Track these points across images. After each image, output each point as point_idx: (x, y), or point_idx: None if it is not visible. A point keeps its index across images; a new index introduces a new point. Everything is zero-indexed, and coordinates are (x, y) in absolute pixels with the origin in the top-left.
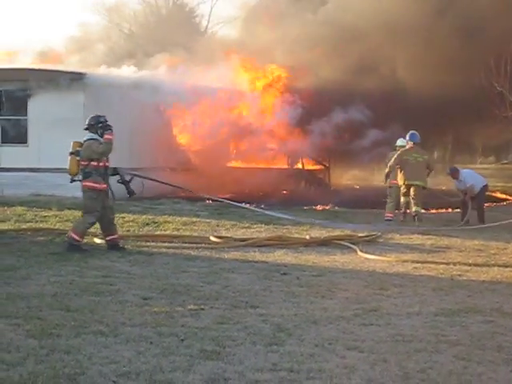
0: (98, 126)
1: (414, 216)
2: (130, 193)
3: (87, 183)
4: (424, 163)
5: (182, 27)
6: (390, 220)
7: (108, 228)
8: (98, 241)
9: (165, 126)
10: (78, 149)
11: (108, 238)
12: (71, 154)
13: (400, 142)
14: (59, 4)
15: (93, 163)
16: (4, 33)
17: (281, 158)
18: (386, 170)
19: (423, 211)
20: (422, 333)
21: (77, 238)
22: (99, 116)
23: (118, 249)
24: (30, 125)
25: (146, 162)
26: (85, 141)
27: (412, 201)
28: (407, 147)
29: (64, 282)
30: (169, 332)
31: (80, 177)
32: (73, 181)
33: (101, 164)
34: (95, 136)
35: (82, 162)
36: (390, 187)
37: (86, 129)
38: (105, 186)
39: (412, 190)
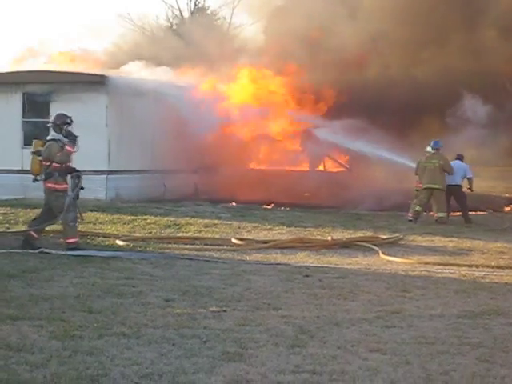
0: (63, 126)
1: (436, 220)
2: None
3: (49, 184)
4: (440, 168)
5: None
6: (411, 220)
7: (39, 223)
8: (120, 243)
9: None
10: (39, 148)
11: (28, 231)
12: (33, 153)
13: (429, 148)
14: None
15: (54, 164)
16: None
17: (303, 161)
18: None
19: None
20: (444, 335)
21: (73, 240)
22: (66, 116)
23: (25, 246)
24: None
25: (168, 164)
26: (46, 140)
27: (434, 206)
28: (431, 153)
29: (86, 283)
30: (191, 334)
31: (42, 177)
32: (35, 180)
33: (63, 165)
34: (58, 136)
35: (44, 162)
36: (416, 190)
37: (52, 126)
38: (65, 186)
39: (434, 194)
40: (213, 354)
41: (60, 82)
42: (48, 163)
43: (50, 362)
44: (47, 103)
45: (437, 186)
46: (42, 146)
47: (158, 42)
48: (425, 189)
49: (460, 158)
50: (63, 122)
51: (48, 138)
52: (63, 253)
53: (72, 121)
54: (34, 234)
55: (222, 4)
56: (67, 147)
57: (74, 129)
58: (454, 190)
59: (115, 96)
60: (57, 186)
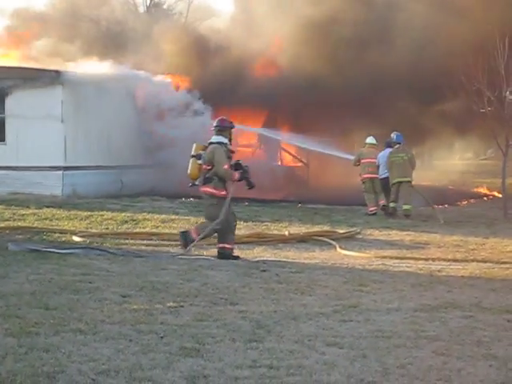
0: (230, 130)
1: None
2: (251, 185)
3: (206, 189)
4: (408, 161)
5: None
6: (375, 213)
7: (223, 235)
8: (77, 239)
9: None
10: (200, 152)
11: (219, 246)
12: (193, 156)
13: (370, 139)
14: None
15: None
16: None
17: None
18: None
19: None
20: (401, 328)
21: (228, 246)
22: (231, 121)
23: (227, 258)
24: (7, 122)
25: (125, 159)
26: (210, 143)
27: (401, 199)
28: (395, 148)
29: (43, 280)
30: (148, 329)
31: (200, 181)
32: (193, 185)
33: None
34: (224, 140)
35: (205, 166)
36: (363, 182)
37: (217, 130)
38: (224, 193)
39: (401, 187)
40: (170, 349)
41: (15, 78)
42: (209, 167)
43: (6, 360)
44: (2, 98)
45: (407, 179)
46: (204, 149)
47: (113, 36)
48: (394, 183)
49: (389, 145)
50: (231, 125)
51: (211, 141)
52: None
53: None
54: (227, 245)
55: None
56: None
57: (29, 124)
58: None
59: (71, 91)
60: (215, 192)
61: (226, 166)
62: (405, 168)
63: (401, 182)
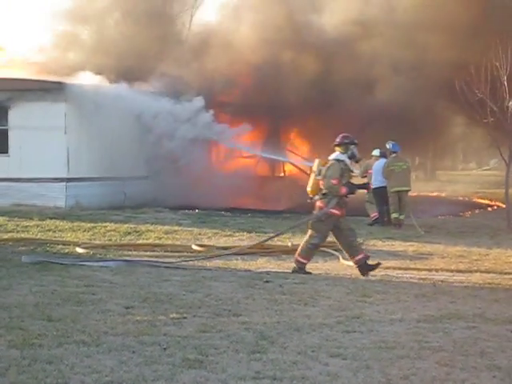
0: (350, 146)
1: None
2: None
3: (321, 204)
4: (407, 170)
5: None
6: (377, 219)
7: (350, 251)
8: (80, 250)
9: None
10: (320, 168)
11: (355, 260)
12: (313, 172)
13: (375, 152)
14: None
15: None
16: None
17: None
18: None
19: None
20: (404, 339)
21: (303, 261)
22: (351, 136)
23: (368, 268)
24: (10, 134)
25: (128, 171)
26: (330, 159)
27: (401, 208)
28: (392, 157)
29: (46, 291)
30: (151, 341)
31: (317, 197)
32: (310, 200)
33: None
34: (341, 157)
35: (322, 182)
36: (368, 192)
37: (337, 145)
38: (338, 212)
39: (402, 196)
40: (173, 361)
41: (18, 90)
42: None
43: (9, 371)
44: (5, 110)
45: (407, 188)
46: (324, 165)
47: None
48: (394, 192)
49: (384, 155)
50: (351, 141)
51: (331, 157)
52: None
53: (357, 143)
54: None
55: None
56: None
57: (32, 136)
58: (384, 192)
59: (74, 103)
60: (323, 207)
61: (334, 181)
62: (404, 177)
63: (400, 191)
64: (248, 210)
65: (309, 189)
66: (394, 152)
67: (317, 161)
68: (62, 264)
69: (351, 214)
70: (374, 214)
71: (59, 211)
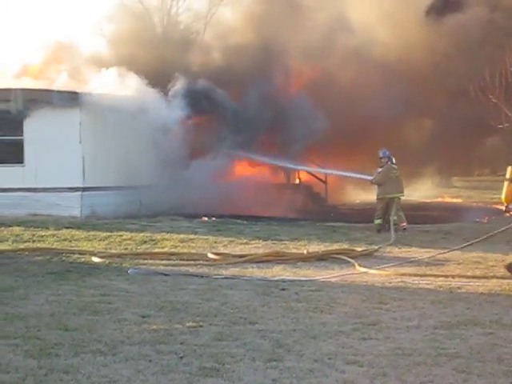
0: None
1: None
2: None
3: None
4: (400, 178)
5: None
6: (406, 228)
7: None
8: (96, 260)
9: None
10: None
11: None
12: (508, 180)
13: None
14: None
15: None
16: None
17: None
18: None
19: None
20: (421, 346)
21: None
22: None
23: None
24: (26, 144)
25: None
26: None
27: (396, 213)
28: (389, 164)
29: (62, 301)
30: (168, 350)
31: None
32: (508, 209)
33: None
34: None
35: None
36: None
37: None
38: None
39: (391, 202)
40: (190, 369)
41: (33, 100)
42: None
43: (26, 381)
44: (20, 120)
45: (400, 195)
46: None
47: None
48: (384, 198)
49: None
50: None
51: None
52: None
53: None
54: None
55: (193, 20)
56: None
57: (48, 146)
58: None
59: (89, 112)
60: None
61: None
62: (399, 183)
63: (394, 198)
64: (263, 217)
65: (503, 197)
66: (388, 159)
67: (510, 168)
68: (165, 275)
69: (367, 221)
70: (403, 223)
71: (75, 220)
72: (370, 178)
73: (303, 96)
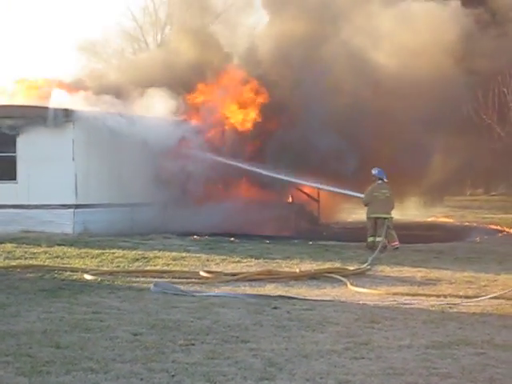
0: None
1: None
2: None
3: None
4: (390, 198)
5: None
6: (398, 247)
7: None
8: (88, 277)
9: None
10: None
11: None
12: None
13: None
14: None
15: None
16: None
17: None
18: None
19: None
20: (413, 366)
21: None
22: None
23: None
24: (18, 161)
25: (136, 197)
26: None
27: (386, 232)
28: (377, 183)
29: (54, 318)
30: (159, 368)
31: None
32: None
33: None
34: None
35: None
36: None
37: None
38: None
39: (379, 222)
40: None
41: (25, 117)
42: None
43: None
44: (13, 137)
45: (385, 215)
46: None
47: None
48: (372, 218)
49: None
50: None
51: None
52: None
53: None
54: None
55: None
56: None
57: (40, 163)
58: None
59: (82, 130)
60: None
61: None
62: (387, 204)
63: (380, 218)
64: (256, 235)
65: None
66: (381, 178)
67: None
68: (180, 295)
69: (360, 239)
70: (395, 243)
71: (67, 238)
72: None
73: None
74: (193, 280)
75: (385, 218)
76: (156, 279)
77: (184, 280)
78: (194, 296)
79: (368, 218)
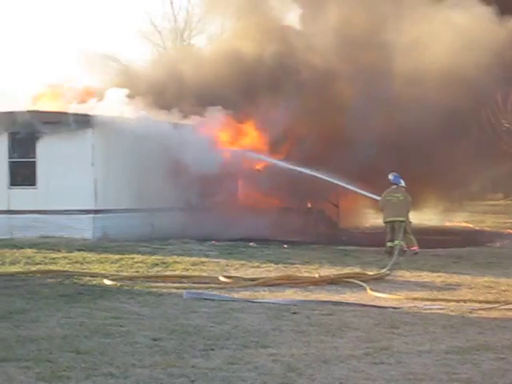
0: None
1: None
2: None
3: None
4: (404, 202)
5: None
6: (417, 252)
7: None
8: (108, 282)
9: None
10: None
11: None
12: None
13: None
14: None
15: None
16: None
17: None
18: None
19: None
20: (433, 371)
21: None
22: None
23: None
24: (38, 166)
25: (155, 202)
26: None
27: (397, 236)
28: (391, 188)
29: (74, 323)
30: (179, 373)
31: None
32: None
33: None
34: None
35: None
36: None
37: None
38: None
39: (396, 226)
40: None
41: (46, 122)
42: None
43: None
44: (33, 143)
45: (400, 219)
46: None
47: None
48: (387, 222)
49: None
50: None
51: None
52: None
53: None
54: None
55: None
56: None
57: (60, 168)
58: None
59: (101, 135)
60: None
61: None
62: (400, 208)
63: (394, 222)
64: (275, 240)
65: None
66: (395, 184)
67: None
68: (217, 300)
69: (379, 244)
70: (414, 247)
71: (87, 243)
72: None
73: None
74: (212, 285)
75: (400, 222)
76: (175, 284)
77: (203, 285)
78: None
79: (384, 222)
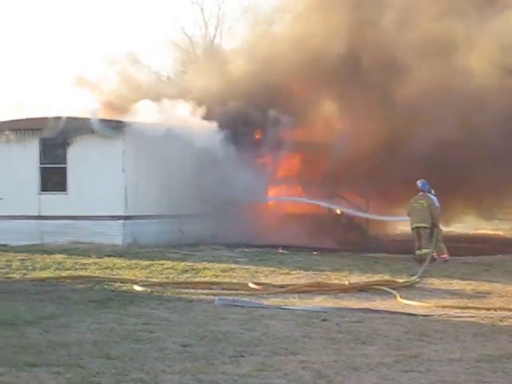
0: None
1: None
2: None
3: None
4: (428, 208)
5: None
6: (447, 260)
7: None
8: (138, 288)
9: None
10: None
11: None
12: None
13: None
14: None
15: None
16: None
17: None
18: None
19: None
20: (463, 379)
21: None
22: None
23: None
24: (69, 172)
25: (185, 208)
26: None
27: (424, 243)
28: (418, 195)
29: (104, 329)
30: (209, 379)
31: None
32: None
33: None
34: None
35: None
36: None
37: None
38: None
39: (422, 232)
40: None
41: (76, 128)
42: None
43: None
44: (64, 148)
45: (424, 225)
46: None
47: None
48: (413, 228)
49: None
50: None
51: None
52: None
53: None
54: None
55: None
56: None
57: (91, 174)
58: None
59: (131, 141)
60: None
61: None
62: (424, 214)
63: (419, 228)
64: (304, 247)
65: None
66: (422, 190)
67: None
68: (246, 307)
69: (409, 252)
70: (444, 255)
71: (117, 249)
72: None
73: None
74: (242, 292)
75: (425, 228)
76: (205, 290)
77: (233, 291)
78: (266, 308)
79: (411, 229)
